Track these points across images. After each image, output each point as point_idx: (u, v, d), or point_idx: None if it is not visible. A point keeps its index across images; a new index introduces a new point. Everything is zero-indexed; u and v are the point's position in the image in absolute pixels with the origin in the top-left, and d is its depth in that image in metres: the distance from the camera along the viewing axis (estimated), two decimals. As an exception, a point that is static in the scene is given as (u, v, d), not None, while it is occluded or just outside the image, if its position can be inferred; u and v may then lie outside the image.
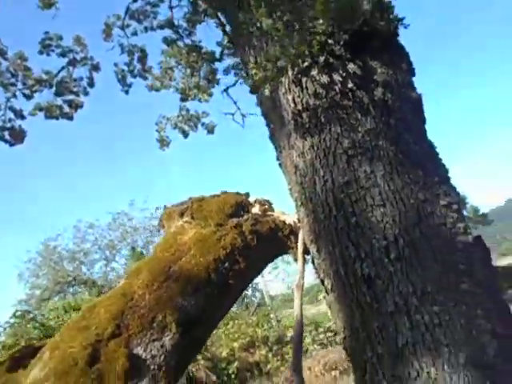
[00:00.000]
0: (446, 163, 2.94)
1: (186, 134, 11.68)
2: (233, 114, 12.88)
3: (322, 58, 2.72)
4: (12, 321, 8.14)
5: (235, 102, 12.97)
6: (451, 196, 2.77)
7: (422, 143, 2.89)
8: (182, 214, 3.28)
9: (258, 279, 19.20)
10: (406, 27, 2.98)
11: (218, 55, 12.05)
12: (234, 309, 14.45)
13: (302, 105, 2.88)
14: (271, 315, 13.34)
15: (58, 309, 9.32)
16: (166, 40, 12.68)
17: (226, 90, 12.58)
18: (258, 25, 2.75)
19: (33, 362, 2.68)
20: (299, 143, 2.94)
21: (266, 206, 3.57)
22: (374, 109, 2.80)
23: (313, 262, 3.25)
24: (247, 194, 3.45)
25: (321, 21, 2.64)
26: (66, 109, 13.23)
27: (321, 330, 11.95)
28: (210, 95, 11.23)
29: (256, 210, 3.42)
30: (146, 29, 14.74)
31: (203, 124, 11.57)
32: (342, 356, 9.09)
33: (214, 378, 9.38)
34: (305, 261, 3.14)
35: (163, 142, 11.67)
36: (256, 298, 18.54)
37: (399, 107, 2.84)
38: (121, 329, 2.67)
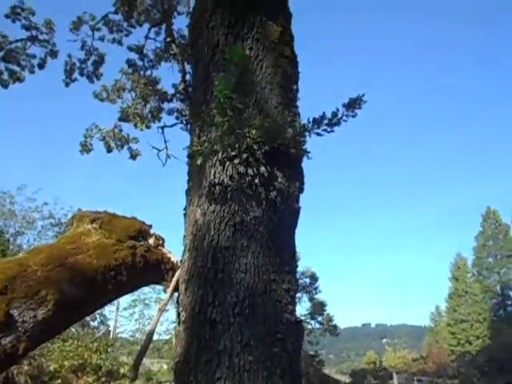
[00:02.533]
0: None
1: (109, 150, 12.18)
2: (159, 151, 13.64)
3: (245, 155, 3.72)
4: None
5: (166, 141, 13.78)
6: (292, 285, 3.80)
7: (288, 241, 3.94)
8: (92, 221, 3.93)
9: (111, 311, 18.81)
10: (308, 158, 4.14)
11: (169, 96, 13.01)
12: (77, 329, 14.13)
13: (219, 180, 3.82)
14: (113, 346, 13.29)
15: None
16: (129, 62, 13.44)
17: (162, 128, 13.42)
18: (211, 114, 3.71)
19: None
20: (205, 205, 3.84)
21: (160, 242, 4.34)
22: (265, 203, 3.81)
23: (177, 299, 4.03)
24: (150, 226, 4.21)
25: (254, 131, 3.68)
26: (5, 76, 13.18)
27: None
28: (148, 127, 12.02)
29: (151, 241, 4.18)
30: (113, 40, 15.43)
31: (129, 148, 12.20)
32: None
33: (32, 386, 9.18)
34: (172, 294, 3.91)
35: (85, 148, 12.03)
36: (101, 331, 18.09)
37: (282, 210, 3.89)
38: (7, 290, 3.19)
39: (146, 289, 19.96)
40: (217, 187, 3.82)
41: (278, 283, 3.69)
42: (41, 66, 13.15)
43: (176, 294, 4.09)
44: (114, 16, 13.24)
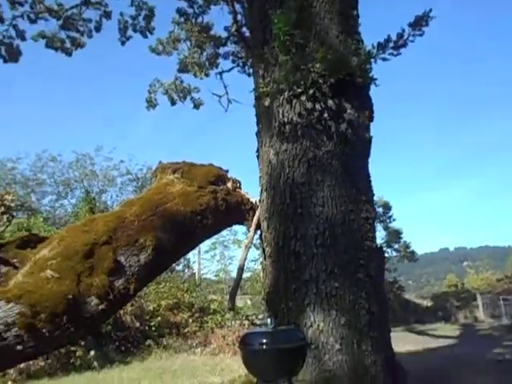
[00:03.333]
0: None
1: (173, 102, 12.48)
2: (220, 97, 13.79)
3: (311, 91, 3.73)
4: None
5: (225, 87, 13.86)
6: (370, 213, 3.88)
7: (362, 171, 3.98)
8: (174, 171, 4.20)
9: (194, 254, 20.02)
10: (376, 85, 4.05)
11: (223, 40, 12.91)
12: (167, 273, 15.34)
13: (288, 119, 3.88)
14: (200, 286, 14.39)
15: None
16: (180, 11, 13.39)
17: (220, 74, 13.47)
18: (274, 55, 3.71)
19: (41, 245, 3.53)
20: (277, 145, 3.95)
21: (237, 185, 4.55)
22: (336, 137, 3.84)
23: (260, 236, 4.28)
24: (227, 171, 4.41)
25: (318, 65, 3.65)
26: (68, 44, 13.67)
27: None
28: (207, 75, 12.09)
29: (229, 184, 4.39)
30: (160, -10, 15.13)
31: (192, 98, 12.40)
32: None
33: (137, 324, 10.27)
34: (255, 231, 4.15)
35: (151, 103, 12.42)
36: (186, 274, 19.48)
37: (354, 141, 3.90)
38: (112, 240, 3.57)
39: (223, 231, 20.90)
40: (286, 126, 3.89)
41: (356, 213, 3.79)
42: (97, 29, 13.43)
43: (258, 232, 4.34)
44: (159, -35, 13.04)
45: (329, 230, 3.69)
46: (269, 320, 2.75)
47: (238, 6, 12.78)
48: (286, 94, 3.85)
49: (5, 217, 3.47)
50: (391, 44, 3.90)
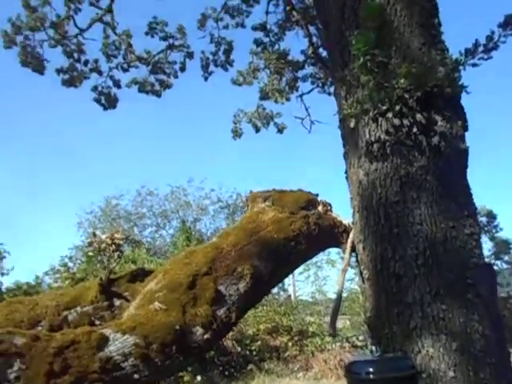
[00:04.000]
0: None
1: (257, 130, 12.82)
2: (302, 119, 13.94)
3: (397, 107, 3.63)
4: (83, 258, 9.55)
5: (307, 109, 13.98)
6: (474, 228, 3.63)
7: (460, 184, 3.76)
8: (265, 199, 4.30)
9: (287, 279, 20.00)
10: (467, 93, 3.84)
11: (300, 63, 13.09)
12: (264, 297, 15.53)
13: (375, 137, 3.80)
14: (297, 309, 14.33)
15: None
16: (257, 41, 13.84)
17: (301, 96, 13.60)
18: (354, 75, 3.69)
19: (148, 279, 3.80)
20: (366, 165, 3.88)
21: (328, 208, 4.53)
22: (428, 151, 3.68)
23: (356, 258, 4.19)
24: (316, 195, 4.42)
25: (402, 80, 3.56)
26: (157, 87, 14.74)
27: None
28: (288, 99, 12.31)
29: (320, 208, 4.39)
30: (237, 24, 16.04)
31: (275, 123, 12.68)
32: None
33: (238, 349, 10.46)
34: (351, 254, 4.08)
35: (236, 133, 12.89)
36: (281, 296, 19.51)
37: (448, 154, 3.71)
38: (212, 270, 3.73)
39: (316, 252, 20.71)
40: (374, 145, 3.81)
41: (458, 229, 3.57)
42: (182, 69, 14.37)
43: (354, 254, 4.25)
44: (233, 1, 13.65)
45: (430, 249, 3.51)
46: (374, 348, 2.68)
47: (312, 28, 12.93)
48: (371, 113, 3.79)
49: (116, 254, 3.78)
50: (481, 48, 3.69)
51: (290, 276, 21.16)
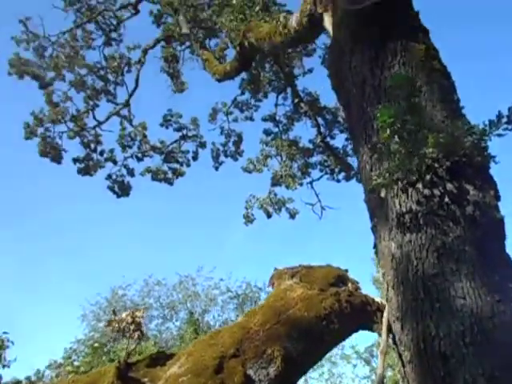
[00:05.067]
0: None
1: (269, 215, 12.84)
2: (313, 205, 13.97)
3: (427, 176, 3.59)
4: (87, 351, 9.00)
5: (317, 195, 14.07)
6: (522, 302, 3.39)
7: (500, 254, 3.58)
8: (292, 276, 4.10)
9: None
10: (496, 163, 3.81)
11: (311, 151, 13.45)
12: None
13: (406, 208, 3.71)
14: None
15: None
16: (266, 131, 14.37)
17: (311, 183, 13.78)
18: (380, 145, 3.71)
19: (170, 362, 3.48)
20: (399, 237, 3.73)
21: (357, 285, 4.30)
22: (463, 220, 3.56)
23: (393, 339, 3.87)
24: (346, 270, 4.22)
25: (431, 149, 3.55)
26: (170, 175, 15.07)
27: None
28: (301, 184, 12.48)
29: (350, 285, 4.16)
30: (246, 118, 16.74)
31: (287, 209, 12.73)
32: None
33: None
34: (388, 334, 3.77)
35: (248, 218, 12.88)
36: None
37: (484, 223, 3.58)
38: (239, 352, 3.43)
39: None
40: (406, 216, 3.70)
41: (505, 303, 3.32)
42: (194, 158, 14.84)
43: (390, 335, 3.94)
44: (242, 97, 14.42)
45: (477, 325, 3.24)
46: None
47: (319, 119, 13.51)
48: (400, 183, 3.74)
49: (136, 334, 3.51)
50: (504, 119, 3.73)
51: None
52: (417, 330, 3.45)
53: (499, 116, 3.75)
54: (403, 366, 3.64)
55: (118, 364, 3.47)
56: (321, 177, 13.72)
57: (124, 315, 3.50)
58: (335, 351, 19.62)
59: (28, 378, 9.28)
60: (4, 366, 8.51)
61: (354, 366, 20.13)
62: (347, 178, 13.67)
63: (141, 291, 19.29)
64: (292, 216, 11.87)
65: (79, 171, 13.38)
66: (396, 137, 3.43)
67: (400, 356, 3.69)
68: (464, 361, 3.18)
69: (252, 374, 3.34)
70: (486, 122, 3.74)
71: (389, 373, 16.58)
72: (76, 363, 9.68)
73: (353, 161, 12.93)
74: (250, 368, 3.37)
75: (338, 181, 13.63)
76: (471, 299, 3.33)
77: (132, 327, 3.50)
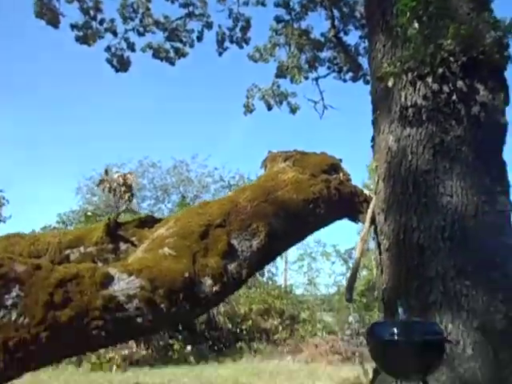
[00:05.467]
0: None
1: (270, 107, 12.55)
2: (315, 103, 13.65)
3: (440, 70, 3.42)
4: (80, 219, 9.39)
5: (321, 92, 13.66)
6: (506, 206, 3.45)
7: (496, 159, 3.56)
8: (285, 159, 4.10)
9: (275, 269, 19.78)
10: (514, 66, 3.63)
11: (322, 44, 12.76)
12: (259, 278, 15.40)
13: (411, 102, 3.60)
14: (292, 292, 14.24)
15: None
16: (277, 18, 13.52)
17: (316, 79, 13.30)
18: (399, 30, 3.47)
19: (158, 225, 3.60)
20: (398, 131, 3.67)
21: (348, 177, 4.33)
22: (467, 121, 3.48)
23: (375, 230, 4.00)
24: (340, 160, 4.22)
25: (449, 41, 3.34)
26: (172, 54, 14.39)
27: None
28: (306, 78, 12.02)
29: (341, 175, 4.19)
30: (257, 2, 15.60)
31: (288, 103, 12.40)
32: (348, 347, 9.80)
33: (229, 326, 10.35)
34: (371, 224, 3.89)
35: (248, 108, 12.61)
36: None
37: (487, 126, 3.51)
38: (226, 223, 3.52)
39: (311, 243, 20.54)
40: (409, 109, 3.61)
41: (490, 205, 3.38)
42: (199, 39, 14.03)
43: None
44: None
45: (458, 223, 3.33)
46: (401, 310, 2.49)
47: (335, 11, 12.61)
48: (410, 75, 3.58)
49: (126, 195, 3.58)
50: (534, 17, 3.47)
51: (283, 264, 21.07)
52: (399, 221, 3.55)
53: (528, 14, 3.49)
54: (380, 254, 3.80)
55: (108, 221, 3.58)
56: (328, 74, 13.13)
57: (116, 176, 3.54)
58: (316, 248, 20.63)
59: (19, 234, 9.72)
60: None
61: (333, 263, 21.26)
62: (354, 79, 13.16)
63: (135, 171, 19.53)
64: (293, 111, 11.61)
65: (77, 39, 12.70)
66: (415, 21, 3.19)
67: (379, 245, 3.84)
68: (439, 253, 3.32)
69: (235, 244, 3.47)
70: (513, 19, 3.50)
71: (364, 272, 17.62)
72: (69, 228, 10.15)
73: (363, 61, 12.33)
74: (235, 238, 3.49)
75: (345, 80, 13.10)
76: (458, 198, 3.38)
77: (123, 188, 3.56)
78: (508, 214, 3.43)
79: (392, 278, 3.56)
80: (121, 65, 13.38)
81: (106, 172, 3.45)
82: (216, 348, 9.30)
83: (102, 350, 6.85)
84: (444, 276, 3.26)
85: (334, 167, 4.11)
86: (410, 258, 3.43)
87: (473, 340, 3.10)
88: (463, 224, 3.32)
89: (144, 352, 7.27)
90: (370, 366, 3.97)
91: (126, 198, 3.48)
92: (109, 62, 13.44)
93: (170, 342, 7.99)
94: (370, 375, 3.70)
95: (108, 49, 13.21)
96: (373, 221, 3.91)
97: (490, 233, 3.34)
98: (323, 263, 22.79)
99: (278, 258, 20.05)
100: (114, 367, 6.35)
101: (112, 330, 2.89)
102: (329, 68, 13.14)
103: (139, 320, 2.95)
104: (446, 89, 3.52)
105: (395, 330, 2.37)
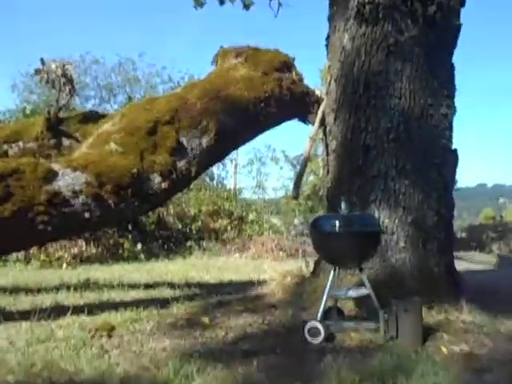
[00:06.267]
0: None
1: (222, 2, 11.74)
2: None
3: (400, -36, 3.26)
4: (18, 117, 8.75)
5: (276, -12, 12.84)
6: (450, 110, 3.56)
7: (446, 62, 3.60)
8: (237, 56, 3.93)
9: (225, 174, 19.91)
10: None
11: None
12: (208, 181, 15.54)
13: (369, -2, 3.46)
14: (239, 196, 14.62)
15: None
16: None
17: (272, -28, 12.40)
18: None
19: (103, 120, 3.45)
20: (354, 29, 3.57)
21: (300, 76, 4.25)
22: (422, 21, 3.43)
23: (324, 131, 4.04)
24: (293, 59, 4.10)
25: None
26: None
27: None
28: (261, -31, 11.21)
29: (294, 74, 4.10)
30: None
31: (242, -3, 11.62)
32: (292, 245, 10.40)
33: (179, 226, 10.59)
34: (321, 125, 3.91)
35: (198, 1, 11.74)
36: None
37: (441, 27, 3.48)
38: (174, 120, 3.43)
39: (261, 147, 20.66)
40: (367, 6, 3.47)
41: (435, 108, 3.47)
42: None
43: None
44: None
45: (403, 124, 3.42)
46: (343, 204, 2.62)
47: None
48: (370, -31, 3.40)
49: (67, 88, 3.35)
50: None
51: (233, 168, 21.22)
52: (348, 122, 3.59)
53: None
54: (327, 154, 3.89)
55: (48, 115, 3.38)
56: (284, -33, 12.23)
57: (53, 66, 3.26)
58: (266, 153, 20.80)
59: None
60: None
61: (281, 167, 21.72)
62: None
63: (77, 68, 18.06)
64: (246, 6, 10.91)
65: None
66: None
67: (326, 146, 3.91)
68: (383, 153, 3.44)
69: (184, 142, 3.42)
70: None
71: (310, 177, 18.19)
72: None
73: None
74: (184, 136, 3.43)
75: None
76: (406, 100, 3.44)
77: (63, 80, 3.31)
78: (451, 118, 3.55)
79: (337, 176, 3.69)
80: None
81: (43, 61, 3.17)
82: (166, 247, 9.55)
83: (51, 249, 6.85)
84: (385, 175, 3.42)
85: (287, 65, 4.00)
86: (356, 157, 3.53)
87: (406, 234, 3.36)
88: (408, 126, 3.42)
89: (94, 250, 7.37)
90: (312, 259, 4.25)
91: (67, 90, 3.26)
92: None
93: (120, 240, 8.11)
94: (311, 267, 3.97)
95: None
96: (322, 121, 3.94)
97: (432, 135, 3.48)
98: (272, 168, 23.20)
99: (228, 162, 20.21)
100: (64, 265, 6.43)
101: (59, 224, 2.88)
102: (286, -40, 12.24)
103: (87, 215, 2.94)
104: (404, -15, 3.39)
105: (337, 223, 2.52)
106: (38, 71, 3.27)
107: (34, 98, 17.89)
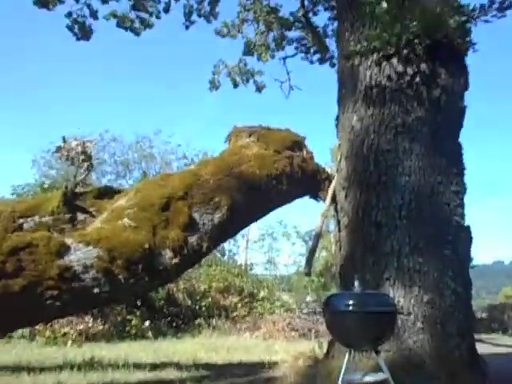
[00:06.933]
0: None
1: (236, 85, 12.39)
2: (282, 83, 13.57)
3: (405, 51, 3.47)
4: (37, 191, 9.02)
5: (288, 73, 13.63)
6: (460, 187, 3.58)
7: (453, 142, 3.68)
8: (250, 135, 4.08)
9: (236, 248, 19.84)
10: (474, 51, 3.73)
11: (290, 23, 12.68)
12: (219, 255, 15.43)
13: (376, 82, 3.64)
14: (252, 270, 14.39)
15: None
16: (247, -7, 13.14)
17: (284, 59, 13.25)
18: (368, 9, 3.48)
19: (118, 196, 3.52)
20: (362, 110, 3.72)
21: (311, 155, 4.37)
22: (428, 103, 3.57)
23: (335, 207, 4.06)
24: (304, 138, 4.24)
25: (415, 23, 3.39)
26: (137, 24, 13.91)
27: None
28: (272, 57, 11.94)
29: (305, 152, 4.22)
30: (227, -25, 14.99)
31: (255, 81, 12.29)
32: (304, 324, 10.04)
33: (188, 303, 10.36)
34: (332, 202, 3.94)
35: (214, 85, 12.40)
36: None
37: (447, 109, 3.61)
38: (187, 196, 3.50)
39: (273, 223, 20.73)
40: (374, 90, 3.65)
41: (445, 185, 3.50)
42: (166, 10, 13.61)
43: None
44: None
45: (415, 202, 3.43)
46: (356, 282, 2.56)
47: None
48: (376, 55, 3.62)
49: (85, 164, 3.47)
50: (495, 5, 3.57)
51: (244, 243, 21.15)
52: (359, 199, 3.62)
53: (491, 1, 3.59)
54: (339, 230, 3.88)
55: (65, 190, 3.47)
56: (295, 54, 13.04)
57: (74, 144, 3.41)
58: (277, 228, 20.85)
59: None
60: None
61: (293, 243, 21.61)
62: (321, 61, 13.16)
63: (95, 144, 18.82)
64: (259, 89, 11.50)
65: (36, 2, 12.06)
66: (384, 0, 3.21)
67: (338, 222, 3.91)
68: (395, 231, 3.42)
69: (197, 217, 3.46)
70: (477, 5, 3.59)
71: (322, 253, 17.99)
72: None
73: (331, 43, 12.34)
74: (196, 211, 3.47)
75: (312, 62, 13.11)
76: (416, 177, 3.48)
77: (82, 157, 3.44)
78: (462, 195, 3.57)
79: (350, 253, 3.65)
80: (82, 33, 12.83)
81: (64, 139, 3.32)
82: (174, 324, 9.29)
83: (56, 325, 6.71)
84: (399, 253, 3.37)
85: (298, 144, 4.13)
86: (368, 234, 3.51)
87: (423, 314, 3.24)
88: (419, 203, 3.43)
89: (101, 327, 7.18)
90: (325, 340, 4.09)
91: (85, 166, 3.38)
92: (69, 28, 12.83)
93: (128, 317, 7.92)
94: (325, 348, 3.80)
95: (69, 15, 12.61)
96: (334, 198, 3.98)
97: (444, 212, 3.47)
98: (284, 243, 23.09)
99: (239, 237, 20.20)
100: (69, 342, 6.25)
101: (68, 300, 2.84)
102: (296, 48, 13.08)
103: (96, 290, 2.91)
104: (409, 70, 3.58)
105: (350, 301, 2.45)
106: (58, 149, 3.42)
107: (53, 173, 18.52)
